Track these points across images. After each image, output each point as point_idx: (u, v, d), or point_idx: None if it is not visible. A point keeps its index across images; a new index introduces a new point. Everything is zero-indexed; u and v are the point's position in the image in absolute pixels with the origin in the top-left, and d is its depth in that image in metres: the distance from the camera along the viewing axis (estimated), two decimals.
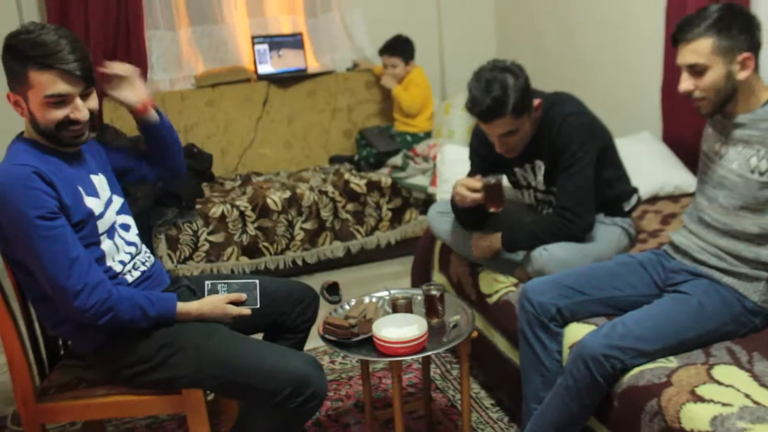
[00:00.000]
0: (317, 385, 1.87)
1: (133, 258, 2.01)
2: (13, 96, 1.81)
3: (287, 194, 3.89)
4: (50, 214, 1.74)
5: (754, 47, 1.90)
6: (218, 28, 4.50)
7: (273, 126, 4.55)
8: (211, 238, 3.74)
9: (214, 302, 2.01)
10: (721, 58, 1.87)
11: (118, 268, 1.94)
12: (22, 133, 1.91)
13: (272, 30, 4.63)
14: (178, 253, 3.68)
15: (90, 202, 1.88)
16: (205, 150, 4.28)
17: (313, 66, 4.68)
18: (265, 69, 4.48)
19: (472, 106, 2.30)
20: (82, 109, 1.82)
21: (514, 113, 2.28)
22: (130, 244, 2.03)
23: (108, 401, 1.97)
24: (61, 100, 1.78)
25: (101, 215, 1.91)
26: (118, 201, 2.04)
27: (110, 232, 1.95)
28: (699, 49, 1.88)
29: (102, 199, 1.95)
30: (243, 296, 2.05)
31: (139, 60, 4.20)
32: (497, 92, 2.24)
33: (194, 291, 2.14)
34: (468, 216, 2.62)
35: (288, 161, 4.60)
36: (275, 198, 3.86)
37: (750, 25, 1.89)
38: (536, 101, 2.35)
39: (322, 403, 1.93)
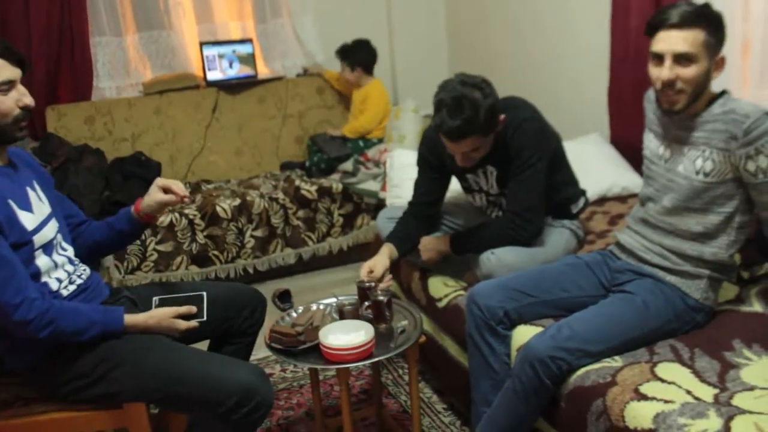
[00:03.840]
0: (263, 395, 1.84)
1: (69, 275, 1.95)
2: None
3: (237, 202, 3.84)
4: None
5: (721, 49, 1.89)
6: (166, 34, 4.44)
7: (223, 133, 4.50)
8: (160, 247, 3.67)
9: (161, 316, 1.96)
10: (707, 53, 1.85)
11: (54, 285, 1.87)
12: None
13: (221, 36, 4.59)
14: (125, 264, 3.60)
15: (23, 217, 1.81)
16: (153, 158, 4.20)
17: (263, 72, 4.64)
18: (214, 75, 4.43)
19: (441, 124, 2.22)
20: (27, 94, 1.81)
21: (482, 132, 2.24)
22: (71, 262, 1.97)
23: (47, 418, 1.90)
24: (9, 88, 1.77)
25: (36, 230, 1.84)
26: (56, 223, 1.97)
27: (47, 248, 1.88)
28: (692, 38, 1.83)
29: (37, 214, 1.87)
30: (193, 309, 2.00)
31: (84, 67, 4.13)
32: (468, 113, 2.17)
33: (135, 302, 2.08)
34: None
35: (238, 168, 4.55)
36: (225, 206, 3.80)
37: (723, 26, 1.87)
38: (501, 117, 2.30)
39: (269, 413, 1.90)
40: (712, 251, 1.96)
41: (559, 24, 3.91)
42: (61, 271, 1.91)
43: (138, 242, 3.60)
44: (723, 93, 1.93)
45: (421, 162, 2.62)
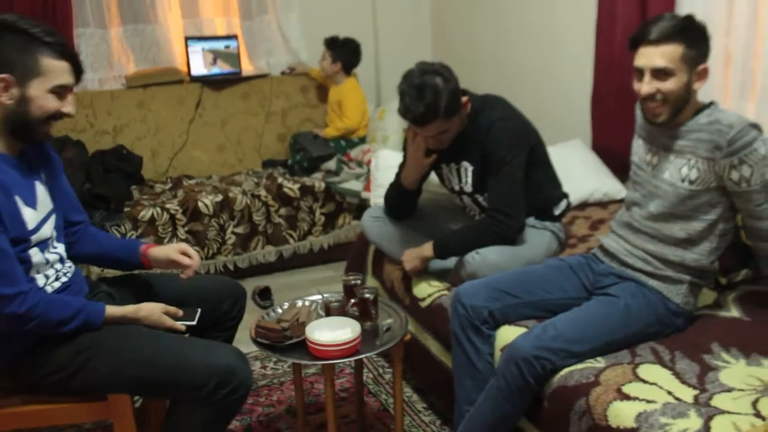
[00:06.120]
0: (241, 376, 1.85)
1: (57, 272, 1.94)
2: (3, 80, 1.72)
3: (219, 198, 3.83)
4: None
5: (707, 59, 1.94)
6: (151, 27, 4.41)
7: (206, 129, 4.48)
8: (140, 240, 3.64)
9: (151, 308, 1.97)
10: (686, 67, 1.90)
11: (41, 281, 1.87)
12: None
13: (207, 31, 4.57)
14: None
15: (26, 214, 1.81)
16: (134, 152, 4.18)
17: (247, 69, 4.63)
18: (198, 71, 4.41)
19: (406, 113, 2.34)
20: (73, 104, 1.84)
21: (445, 116, 2.33)
22: (61, 261, 1.96)
23: (29, 410, 1.89)
24: (64, 93, 1.80)
25: (36, 229, 1.84)
26: (55, 218, 1.96)
27: (42, 245, 1.88)
28: (669, 53, 1.88)
29: (39, 211, 1.87)
30: (180, 312, 2.02)
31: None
32: (429, 98, 2.28)
33: (113, 296, 2.08)
34: (401, 204, 2.72)
35: (220, 165, 4.53)
36: (207, 201, 3.79)
37: (706, 37, 1.92)
38: (464, 99, 2.41)
39: (248, 394, 1.90)
40: (694, 257, 2.01)
41: (546, 30, 3.96)
42: (50, 268, 1.91)
43: (118, 235, 3.58)
44: (711, 104, 1.98)
45: (406, 145, 2.66)
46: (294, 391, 2.42)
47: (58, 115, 1.81)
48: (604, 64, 3.42)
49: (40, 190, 1.90)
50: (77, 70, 1.83)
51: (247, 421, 2.58)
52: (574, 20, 3.71)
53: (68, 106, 1.82)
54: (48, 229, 1.90)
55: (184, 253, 2.10)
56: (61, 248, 1.98)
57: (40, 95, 1.76)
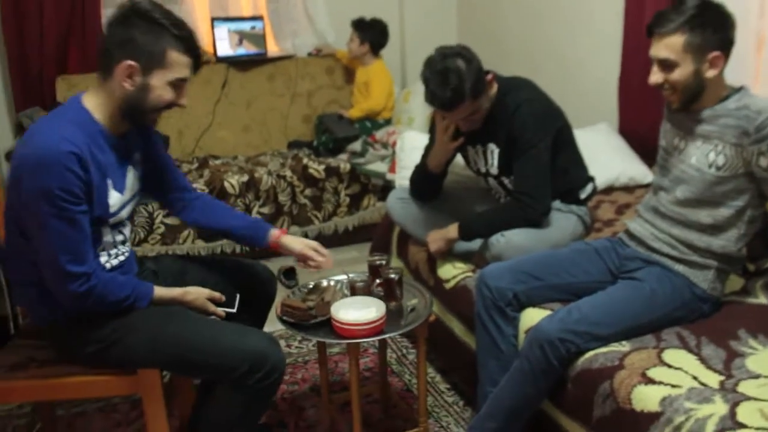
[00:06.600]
0: (274, 361, 1.87)
1: (117, 252, 1.98)
2: (130, 66, 1.74)
3: (245, 178, 3.86)
4: (75, 198, 1.71)
5: (726, 46, 1.90)
6: (177, 8, 4.40)
7: (231, 109, 4.51)
8: (167, 220, 3.69)
9: (198, 293, 2.01)
10: (691, 56, 1.88)
11: (103, 259, 1.91)
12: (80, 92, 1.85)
13: (232, 12, 4.58)
14: (133, 236, 3.60)
15: (112, 198, 1.86)
16: (161, 132, 4.20)
17: (272, 50, 4.64)
18: (224, 51, 4.43)
19: (433, 100, 2.34)
20: (185, 96, 1.86)
21: (472, 97, 2.33)
22: (123, 242, 2.00)
23: (62, 381, 1.92)
24: (181, 85, 1.82)
25: (116, 213, 1.89)
26: (134, 204, 2.01)
27: (115, 227, 1.93)
28: (671, 44, 1.88)
29: (125, 196, 1.92)
30: (223, 297, 2.06)
31: (95, 38, 4.11)
32: (454, 82, 2.28)
33: (157, 274, 2.12)
34: (426, 186, 2.73)
35: (246, 145, 4.56)
36: (233, 181, 3.82)
37: (724, 24, 1.89)
38: (489, 76, 2.40)
39: (282, 378, 1.93)
40: (721, 244, 1.99)
41: (573, 11, 3.92)
42: (114, 248, 1.95)
43: (146, 214, 3.62)
44: (741, 89, 1.95)
45: (433, 128, 2.67)
46: (318, 369, 2.45)
47: (172, 106, 1.84)
48: (632, 46, 3.38)
49: (131, 175, 1.94)
50: (197, 64, 1.85)
51: (272, 399, 2.61)
52: (602, 1, 3.66)
53: (183, 99, 1.85)
54: (126, 213, 1.95)
55: (317, 251, 2.22)
56: (127, 230, 2.02)
57: (160, 86, 1.78)
